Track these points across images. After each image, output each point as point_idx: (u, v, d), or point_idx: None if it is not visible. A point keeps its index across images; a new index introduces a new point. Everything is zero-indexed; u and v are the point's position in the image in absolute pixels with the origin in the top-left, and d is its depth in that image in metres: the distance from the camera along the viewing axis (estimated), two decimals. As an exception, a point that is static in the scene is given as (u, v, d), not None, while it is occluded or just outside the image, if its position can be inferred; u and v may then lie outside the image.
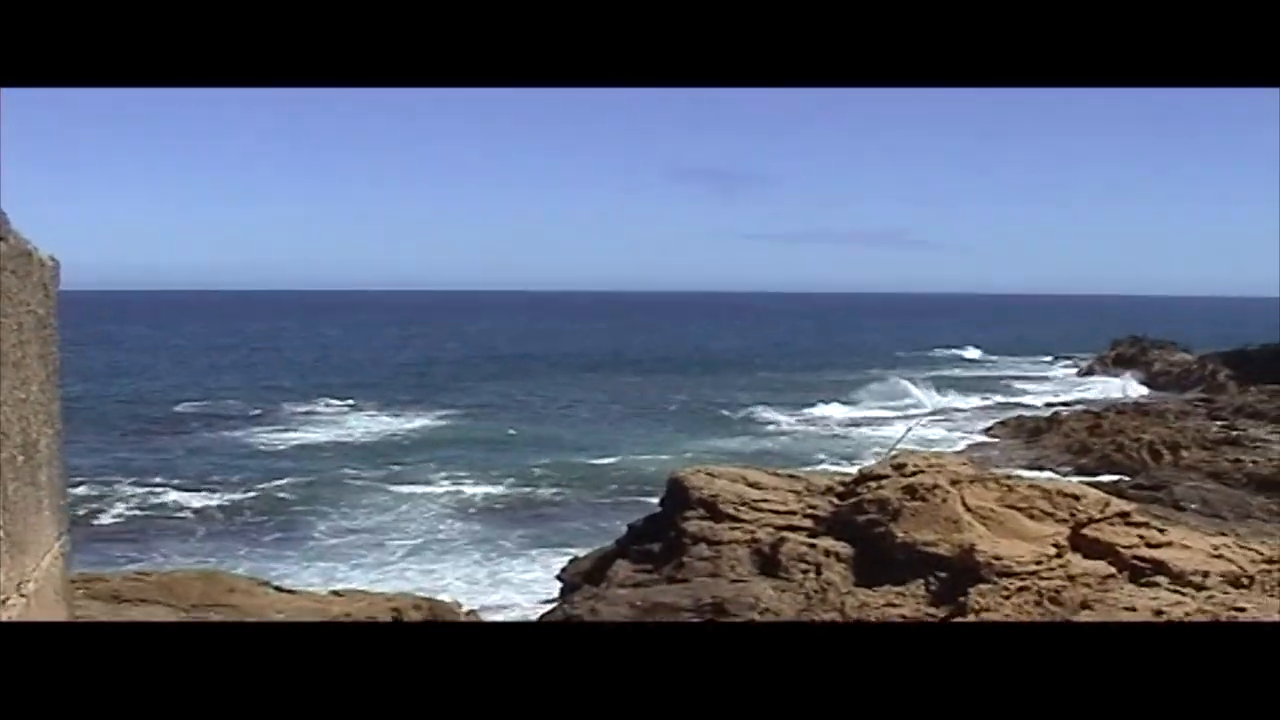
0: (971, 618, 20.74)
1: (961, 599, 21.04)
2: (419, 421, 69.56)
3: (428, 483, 47.54)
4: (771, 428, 68.13)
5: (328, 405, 75.56)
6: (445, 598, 26.46)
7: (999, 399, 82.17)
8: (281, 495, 44.91)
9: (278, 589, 23.98)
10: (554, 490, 46.41)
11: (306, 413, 72.82)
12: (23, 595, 3.74)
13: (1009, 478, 26.10)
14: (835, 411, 73.97)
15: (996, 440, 58.03)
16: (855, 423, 69.59)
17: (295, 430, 65.31)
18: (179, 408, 73.91)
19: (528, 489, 46.44)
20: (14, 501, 3.65)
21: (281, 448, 58.98)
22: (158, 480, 47.04)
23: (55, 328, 4.56)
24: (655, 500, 27.41)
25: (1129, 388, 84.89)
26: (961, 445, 53.59)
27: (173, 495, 44.17)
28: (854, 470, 27.04)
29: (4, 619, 3.36)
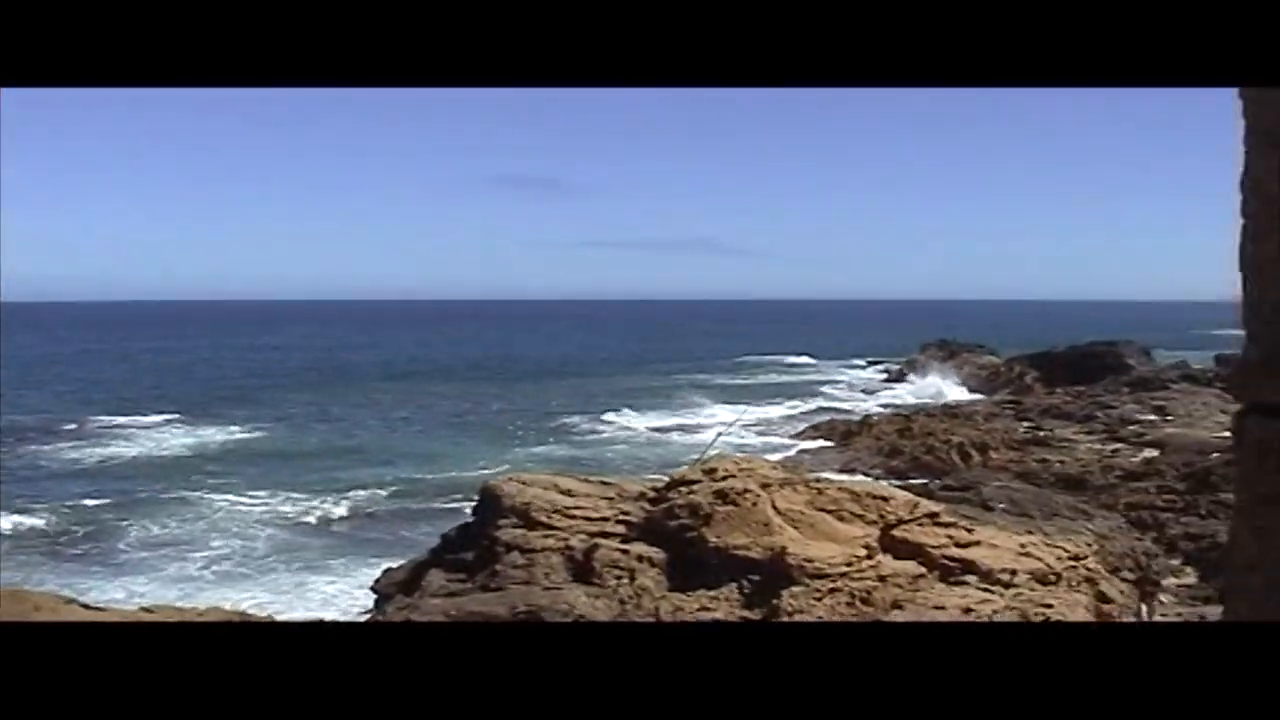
0: (785, 619, 20.86)
1: (774, 601, 21.18)
2: (231, 434, 68.57)
3: (239, 495, 46.83)
4: (585, 435, 68.23)
5: (139, 419, 74.16)
6: (255, 611, 26.14)
7: (814, 403, 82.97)
8: (88, 511, 43.95)
9: (84, 606, 23.50)
10: (367, 501, 46.04)
11: (118, 427, 71.34)
12: None
13: (819, 481, 26.33)
14: (650, 418, 74.21)
15: (809, 444, 58.58)
16: (668, 429, 69.86)
17: (106, 445, 63.96)
18: (-19, 422, 72.13)
19: (340, 500, 45.95)
20: None
21: (90, 462, 57.80)
22: (-43, 498, 45.85)
23: None
24: (469, 509, 27.30)
25: (945, 388, 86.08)
26: (774, 449, 53.95)
27: (-27, 513, 43.09)
28: (666, 476, 27.11)
29: None
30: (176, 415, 75.72)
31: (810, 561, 21.76)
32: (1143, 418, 58.63)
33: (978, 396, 78.85)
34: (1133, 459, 46.47)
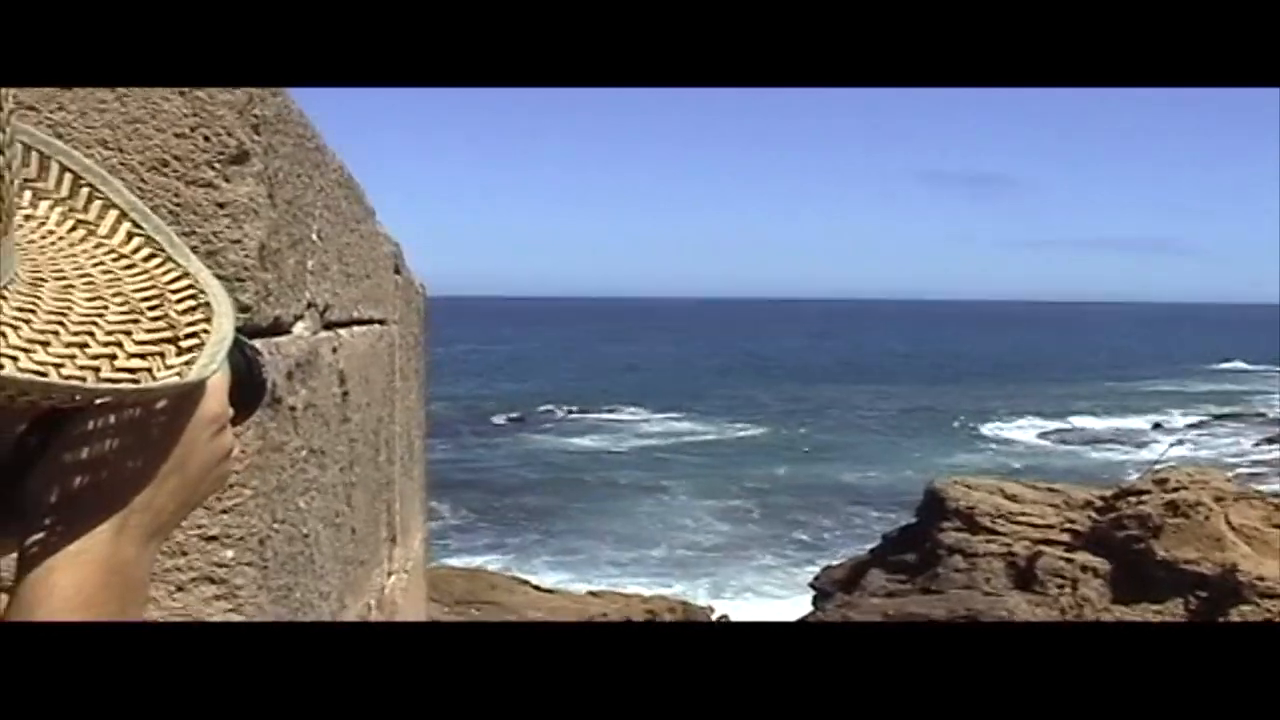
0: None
1: (1222, 620, 20.58)
2: (692, 427, 69.77)
3: (677, 492, 47.50)
4: (1029, 440, 66.75)
5: (592, 415, 75.26)
6: (699, 601, 26.66)
7: (1271, 414, 78.62)
8: (535, 501, 45.14)
9: (536, 588, 24.44)
10: (809, 498, 46.06)
11: (572, 419, 73.25)
12: (406, 571, 4.37)
13: (1277, 496, 25.41)
14: (1097, 425, 72.12)
15: (1268, 456, 56.19)
16: (1116, 436, 67.82)
17: (574, 437, 66.02)
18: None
19: (774, 497, 46.24)
20: (403, 493, 4.33)
21: (572, 450, 59.94)
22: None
23: (426, 346, 5.33)
24: (906, 513, 27.53)
25: None
26: (1228, 462, 51.96)
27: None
28: (1114, 486, 26.65)
29: (390, 590, 3.93)
30: (630, 411, 76.93)
31: (1263, 580, 21.10)
32: None
33: None
34: None
